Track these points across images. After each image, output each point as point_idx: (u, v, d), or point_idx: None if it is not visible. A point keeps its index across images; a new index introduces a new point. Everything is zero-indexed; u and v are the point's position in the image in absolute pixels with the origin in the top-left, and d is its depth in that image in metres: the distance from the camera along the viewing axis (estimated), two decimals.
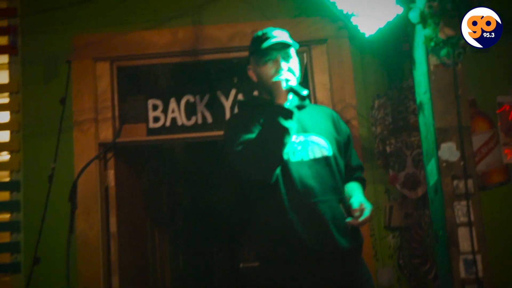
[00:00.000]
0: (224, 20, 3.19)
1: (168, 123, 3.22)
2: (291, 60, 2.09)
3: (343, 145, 2.17)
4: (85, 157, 3.11)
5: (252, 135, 2.00)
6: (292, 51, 2.11)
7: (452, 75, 2.38)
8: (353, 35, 3.01)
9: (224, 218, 5.43)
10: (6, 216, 3.16)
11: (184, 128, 3.22)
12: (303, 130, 2.08)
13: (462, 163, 2.35)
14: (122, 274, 3.20)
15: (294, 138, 2.02)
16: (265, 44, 2.05)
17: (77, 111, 3.18)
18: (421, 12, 2.36)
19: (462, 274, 2.31)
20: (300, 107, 2.11)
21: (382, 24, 2.52)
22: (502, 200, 2.77)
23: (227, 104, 3.21)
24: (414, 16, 2.40)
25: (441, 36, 2.33)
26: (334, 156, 2.07)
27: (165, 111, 3.23)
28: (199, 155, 4.28)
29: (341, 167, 2.12)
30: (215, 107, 3.21)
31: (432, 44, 2.36)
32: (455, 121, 2.35)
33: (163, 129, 3.23)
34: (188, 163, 3.99)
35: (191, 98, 3.23)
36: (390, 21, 2.50)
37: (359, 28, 2.61)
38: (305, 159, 2.02)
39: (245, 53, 3.25)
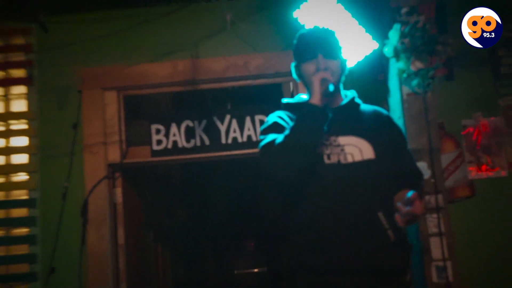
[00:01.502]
0: (218, 54, 3.12)
1: (169, 146, 3.18)
2: (332, 59, 1.78)
3: (392, 149, 1.80)
4: (95, 177, 3.05)
5: (280, 135, 1.72)
6: (334, 50, 1.82)
7: (422, 102, 2.40)
8: None
9: (217, 231, 5.41)
10: (24, 230, 3.11)
11: (184, 150, 3.17)
12: (344, 131, 1.76)
13: (432, 180, 2.38)
14: (129, 282, 3.15)
15: (332, 140, 1.75)
16: (306, 42, 1.82)
17: (88, 135, 3.14)
18: (394, 47, 2.36)
19: (435, 279, 2.33)
20: (347, 107, 1.83)
21: (360, 57, 2.50)
22: (468, 212, 2.71)
23: (223, 128, 3.14)
24: (388, 51, 2.40)
25: (413, 68, 2.34)
26: (378, 160, 1.73)
27: (167, 134, 3.19)
28: (197, 175, 4.28)
29: (387, 172, 1.76)
30: (212, 131, 3.16)
31: (405, 75, 2.37)
32: (426, 143, 2.37)
33: (165, 151, 3.18)
34: (187, 181, 3.96)
35: (190, 123, 3.19)
36: (367, 55, 2.51)
37: None
38: (342, 162, 1.71)
39: (238, 82, 3.23)
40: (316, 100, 1.67)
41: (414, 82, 2.36)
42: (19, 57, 3.24)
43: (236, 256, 5.68)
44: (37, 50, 3.24)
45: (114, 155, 3.16)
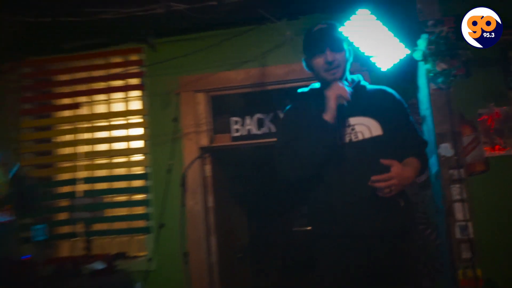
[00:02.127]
0: (281, 62, 3.11)
1: (245, 133, 3.21)
2: (339, 52, 1.62)
3: (397, 123, 1.64)
4: (191, 157, 3.11)
5: (293, 141, 1.60)
6: (341, 43, 1.64)
7: (446, 96, 2.30)
8: (370, 69, 2.91)
9: (281, 196, 5.39)
10: (141, 196, 3.23)
11: (256, 136, 3.19)
12: (354, 113, 1.61)
13: (455, 157, 2.27)
14: (217, 234, 3.20)
15: (346, 122, 1.60)
16: (313, 37, 1.65)
17: (185, 126, 3.20)
18: (423, 52, 2.29)
19: (458, 235, 2.24)
20: (354, 90, 1.64)
21: (396, 61, 2.45)
22: (484, 183, 2.65)
23: None
24: (418, 55, 2.33)
25: (438, 68, 2.26)
26: (385, 135, 1.58)
27: (243, 124, 3.22)
28: (265, 155, 4.26)
29: (395, 144, 1.60)
30: (276, 121, 3.17)
31: (431, 74, 2.29)
32: (449, 128, 2.28)
33: (241, 137, 3.21)
34: (257, 159, 3.96)
35: (260, 115, 3.21)
36: (401, 58, 2.43)
37: (376, 64, 2.54)
38: (353, 140, 1.58)
39: (296, 84, 3.26)
40: (330, 117, 1.55)
41: (439, 80, 2.28)
42: (135, 69, 3.32)
43: (293, 217, 5.69)
44: (147, 64, 3.29)
45: (204, 140, 3.20)
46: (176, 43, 3.25)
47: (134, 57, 3.36)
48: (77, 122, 3.35)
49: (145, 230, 3.17)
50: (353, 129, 1.60)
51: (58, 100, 3.47)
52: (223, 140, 3.23)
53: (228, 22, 3.15)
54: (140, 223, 3.18)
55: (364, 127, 1.59)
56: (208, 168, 3.24)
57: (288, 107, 1.77)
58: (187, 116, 3.21)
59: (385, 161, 1.47)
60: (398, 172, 1.45)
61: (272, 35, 3.14)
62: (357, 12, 2.24)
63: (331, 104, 1.55)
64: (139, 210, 3.20)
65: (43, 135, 3.42)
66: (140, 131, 3.29)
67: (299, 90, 1.80)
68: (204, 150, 3.20)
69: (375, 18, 2.30)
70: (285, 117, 1.78)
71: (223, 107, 3.30)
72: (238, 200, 3.74)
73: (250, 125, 3.21)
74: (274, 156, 1.65)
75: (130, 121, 3.34)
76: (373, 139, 1.58)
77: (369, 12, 2.27)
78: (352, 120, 1.61)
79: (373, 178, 1.46)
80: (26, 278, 2.12)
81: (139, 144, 3.28)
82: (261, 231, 4.78)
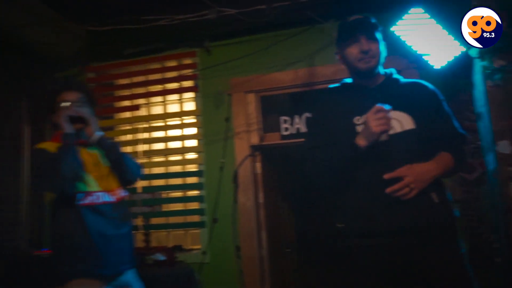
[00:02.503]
0: (328, 62, 3.07)
1: (294, 131, 3.21)
2: (374, 42, 1.53)
3: (432, 116, 1.52)
4: (242, 155, 3.18)
5: (321, 139, 1.52)
6: (376, 33, 1.55)
7: (503, 92, 2.21)
8: (420, 66, 2.83)
9: (323, 193, 5.35)
10: (195, 192, 3.33)
11: (304, 135, 3.18)
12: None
13: None
14: (267, 229, 3.24)
15: None
16: (348, 26, 1.58)
17: (236, 126, 3.26)
18: (479, 50, 2.21)
19: None
20: (386, 84, 1.57)
21: (450, 58, 2.38)
22: None
23: None
24: (473, 52, 2.26)
25: (495, 65, 2.18)
26: (418, 129, 1.48)
27: (292, 123, 3.22)
28: None
29: (428, 138, 1.49)
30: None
31: (488, 71, 2.21)
32: (507, 125, 2.19)
33: (290, 135, 3.21)
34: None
35: (308, 114, 3.18)
36: (456, 56, 2.36)
37: (429, 62, 2.48)
38: (392, 133, 1.47)
39: None
40: (362, 143, 1.44)
41: (497, 76, 2.22)
42: (188, 72, 3.42)
43: (338, 214, 5.59)
44: (200, 67, 3.39)
45: (255, 139, 3.25)
46: (227, 46, 3.33)
47: (188, 61, 3.46)
48: (136, 123, 3.50)
49: (199, 225, 3.27)
50: None
51: (119, 102, 3.63)
52: (273, 139, 3.26)
53: (277, 25, 3.18)
54: (195, 218, 3.29)
55: (396, 122, 1.48)
56: (258, 166, 3.29)
57: (317, 105, 1.71)
58: (238, 116, 3.28)
59: (387, 176, 1.41)
60: (406, 172, 1.38)
61: (320, 36, 3.13)
62: (410, 11, 2.19)
63: (370, 135, 1.43)
64: (194, 205, 3.31)
65: (106, 135, 3.58)
66: (193, 130, 3.40)
67: (331, 86, 1.73)
68: (254, 148, 3.25)
69: (429, 16, 2.24)
70: (313, 116, 1.72)
71: (273, 107, 3.33)
72: (286, 197, 3.75)
73: (299, 123, 3.21)
74: (302, 160, 1.60)
75: (184, 121, 3.46)
76: (405, 133, 1.47)
77: (423, 10, 2.21)
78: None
79: (386, 176, 1.40)
80: None
81: (193, 143, 3.39)
82: (307, 227, 4.80)
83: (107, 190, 1.87)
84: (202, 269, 3.11)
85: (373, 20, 1.56)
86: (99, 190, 1.85)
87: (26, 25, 2.96)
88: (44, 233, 3.42)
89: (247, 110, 3.27)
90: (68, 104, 1.86)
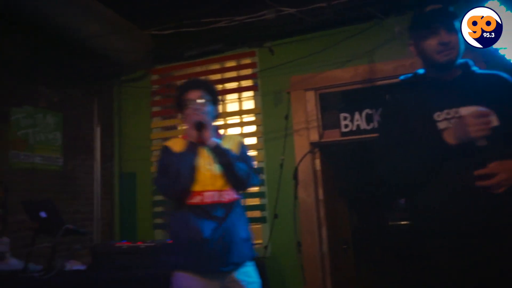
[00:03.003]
0: (389, 58, 3.07)
1: (354, 128, 3.21)
2: (454, 33, 1.41)
3: None
4: (301, 152, 3.24)
5: (398, 136, 1.41)
6: (455, 24, 1.42)
7: None
8: (494, 61, 2.64)
9: (378, 190, 5.29)
10: (256, 189, 3.37)
11: (365, 131, 3.17)
12: (464, 102, 1.40)
13: None
14: (327, 226, 3.26)
15: (454, 112, 1.39)
16: (425, 17, 1.46)
17: (295, 123, 3.31)
18: None
19: None
20: (464, 77, 1.47)
21: None
22: None
23: None
24: None
25: None
26: (502, 126, 1.35)
27: (352, 120, 3.22)
28: (371, 150, 4.21)
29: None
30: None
31: None
32: None
33: (350, 132, 3.21)
34: (362, 154, 3.95)
35: (369, 110, 3.19)
36: None
37: (506, 56, 2.37)
38: None
39: None
40: (452, 142, 1.33)
41: None
42: (247, 72, 3.51)
43: (390, 211, 5.56)
44: (260, 66, 3.47)
45: (314, 136, 3.28)
46: (287, 45, 3.39)
47: (247, 61, 3.57)
48: None
49: (260, 220, 3.33)
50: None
51: None
52: (332, 136, 3.27)
53: (336, 22, 3.20)
54: (256, 213, 3.36)
55: None
56: (318, 163, 3.31)
57: (388, 99, 1.62)
58: (297, 113, 3.32)
59: (478, 172, 1.32)
60: (498, 168, 1.29)
61: (380, 32, 3.12)
62: (486, 5, 2.13)
63: (463, 136, 1.31)
64: (255, 201, 3.37)
65: (170, 134, 3.77)
66: (253, 128, 3.50)
67: (402, 77, 1.59)
68: (314, 145, 3.28)
69: (505, 9, 2.17)
70: (385, 111, 1.61)
71: (332, 104, 3.34)
72: (343, 193, 3.76)
73: (359, 120, 3.21)
74: (375, 159, 1.49)
75: (244, 120, 3.55)
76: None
77: (498, 3, 2.15)
78: (464, 111, 1.37)
79: (476, 173, 1.31)
80: None
81: (253, 140, 3.48)
82: (362, 224, 4.77)
83: (218, 190, 1.91)
84: (263, 264, 3.18)
85: (452, 10, 1.45)
86: (209, 190, 1.90)
87: (98, 32, 3.19)
88: (116, 226, 3.65)
89: (306, 108, 3.31)
90: (199, 101, 1.93)
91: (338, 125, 3.26)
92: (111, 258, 2.26)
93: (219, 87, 3.68)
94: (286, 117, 3.31)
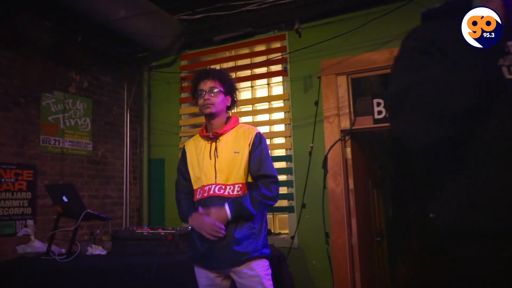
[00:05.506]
0: None
1: (388, 115, 3.04)
2: None
3: None
4: (332, 139, 3.11)
5: (421, 76, 0.94)
6: None
7: None
8: None
9: (416, 181, 5.03)
10: (284, 177, 3.30)
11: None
12: None
13: None
14: (357, 217, 3.11)
15: (501, 47, 0.98)
16: None
17: (326, 109, 3.17)
18: None
19: None
20: None
21: None
22: None
23: None
24: None
25: None
26: None
27: (386, 106, 3.04)
28: None
29: None
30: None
31: None
32: None
33: (385, 119, 2.99)
34: (397, 142, 3.74)
35: None
36: None
37: None
38: None
39: None
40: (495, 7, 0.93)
41: None
42: (277, 56, 3.40)
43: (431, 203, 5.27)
44: (289, 50, 3.34)
45: (345, 123, 3.13)
46: (318, 27, 3.28)
47: (277, 44, 3.48)
48: None
49: (288, 209, 3.25)
50: None
51: None
52: (365, 123, 3.11)
53: (370, 2, 3.02)
54: (284, 203, 3.28)
55: None
56: (348, 151, 3.17)
57: (412, 31, 1.13)
58: (328, 99, 3.19)
59: None
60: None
61: (416, 11, 2.85)
62: None
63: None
64: (283, 190, 3.27)
65: (198, 120, 3.72)
66: (282, 115, 3.40)
67: (425, 12, 1.17)
68: (345, 132, 3.14)
69: None
70: (408, 44, 1.09)
71: (364, 89, 3.17)
72: (376, 184, 3.58)
73: None
74: (389, 109, 1.07)
75: (273, 106, 3.43)
76: None
77: None
78: None
79: None
80: None
81: (281, 127, 3.39)
82: (397, 216, 4.54)
83: (221, 184, 1.87)
84: (290, 254, 3.09)
85: None
86: (211, 183, 1.87)
87: (127, 17, 3.16)
88: (144, 212, 3.67)
89: (337, 93, 3.17)
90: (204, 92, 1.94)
91: (371, 112, 3.09)
92: (131, 243, 2.25)
93: (248, 72, 3.58)
94: (316, 103, 3.20)
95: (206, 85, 1.93)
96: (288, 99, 3.33)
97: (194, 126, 3.76)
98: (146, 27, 3.37)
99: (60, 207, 2.24)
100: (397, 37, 2.98)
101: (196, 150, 1.98)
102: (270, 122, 3.43)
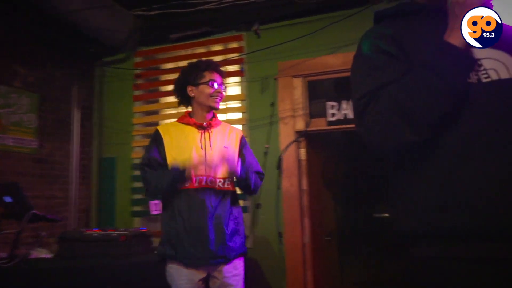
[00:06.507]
0: None
1: (341, 117, 3.10)
2: None
3: None
4: (287, 140, 3.16)
5: (385, 76, 0.98)
6: None
7: None
8: None
9: (364, 182, 5.25)
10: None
11: (352, 121, 3.05)
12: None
13: None
14: (310, 217, 3.17)
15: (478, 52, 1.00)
16: None
17: (282, 111, 3.21)
18: None
19: None
20: None
21: None
22: None
23: None
24: None
25: None
26: None
27: (339, 109, 3.11)
28: (357, 140, 4.13)
29: None
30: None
31: None
32: None
33: (337, 121, 3.11)
34: (349, 145, 3.86)
35: None
36: None
37: None
38: (484, 80, 0.97)
39: None
40: (458, 41, 0.94)
41: None
42: (234, 56, 3.38)
43: (376, 204, 5.55)
44: (247, 51, 3.36)
45: (300, 125, 3.20)
46: (275, 29, 3.30)
47: (234, 45, 3.46)
48: (181, 107, 3.49)
49: (243, 210, 3.20)
50: (480, 66, 0.99)
51: (165, 86, 3.65)
52: (319, 124, 3.19)
53: (328, 6, 3.10)
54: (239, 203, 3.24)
55: (499, 64, 0.99)
56: (303, 152, 3.22)
57: (372, 30, 1.16)
58: (284, 100, 3.23)
59: None
60: None
61: (371, 17, 2.98)
62: None
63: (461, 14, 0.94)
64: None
65: (152, 119, 3.63)
66: (238, 115, 3.40)
67: (378, 12, 1.20)
68: (299, 134, 3.19)
69: None
70: (371, 42, 1.10)
71: (319, 92, 3.24)
72: (328, 184, 3.68)
73: (347, 109, 3.11)
74: (356, 113, 1.02)
75: (229, 106, 3.44)
76: (508, 84, 0.96)
77: None
78: (479, 53, 1.00)
79: None
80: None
81: (238, 127, 3.33)
82: (346, 216, 4.72)
83: (212, 177, 1.87)
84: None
85: None
86: (201, 175, 1.85)
87: (80, 9, 3.02)
88: (93, 212, 3.52)
89: (293, 95, 3.21)
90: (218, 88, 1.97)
91: (325, 114, 3.16)
92: (80, 246, 2.14)
93: None
94: (272, 105, 3.23)
95: (219, 78, 2.00)
96: (244, 100, 3.34)
97: (148, 124, 3.67)
98: (100, 20, 3.25)
99: (2, 208, 2.10)
100: (353, 42, 3.07)
101: (178, 136, 1.91)
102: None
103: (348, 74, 2.91)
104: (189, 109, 2.12)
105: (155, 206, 2.70)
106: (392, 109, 0.93)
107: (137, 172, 3.54)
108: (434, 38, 0.99)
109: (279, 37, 3.22)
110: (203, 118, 1.99)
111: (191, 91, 2.03)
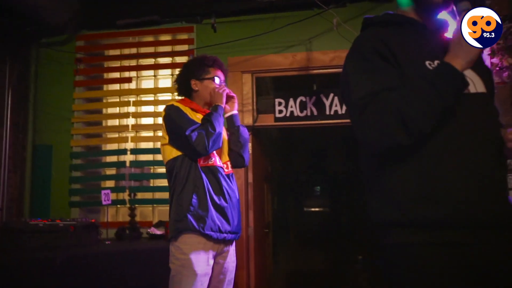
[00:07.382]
0: (327, 48, 3.13)
1: (288, 114, 3.26)
2: None
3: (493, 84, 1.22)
4: None
5: (385, 80, 1.07)
6: None
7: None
8: None
9: (296, 179, 5.52)
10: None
11: (298, 118, 3.24)
12: None
13: None
14: (254, 210, 3.28)
15: None
16: None
17: None
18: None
19: None
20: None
21: None
22: None
23: (327, 102, 3.22)
24: None
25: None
26: (489, 95, 1.15)
27: (286, 106, 3.26)
28: (305, 136, 4.30)
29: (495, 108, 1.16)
30: (319, 104, 3.21)
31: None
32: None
33: (284, 118, 3.26)
34: (296, 140, 4.02)
35: (303, 98, 3.25)
36: None
37: None
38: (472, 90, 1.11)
39: (340, 70, 3.31)
40: (459, 65, 1.03)
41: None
42: (183, 48, 3.35)
43: (306, 198, 5.93)
44: (197, 43, 3.35)
45: (248, 119, 3.28)
46: (227, 24, 3.31)
47: (183, 36, 3.46)
48: (125, 96, 3.41)
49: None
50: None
51: (109, 74, 3.53)
52: (266, 120, 3.30)
53: (280, 6, 3.19)
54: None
55: (469, 81, 1.10)
56: (250, 146, 3.28)
57: (363, 34, 1.22)
58: None
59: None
60: None
61: (320, 21, 3.16)
62: None
63: (468, 50, 1.04)
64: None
65: (93, 106, 3.49)
66: None
67: (368, 16, 1.28)
68: (247, 129, 3.24)
69: None
70: (367, 45, 1.14)
71: (268, 89, 3.35)
72: (269, 179, 3.83)
73: (293, 107, 3.26)
74: (355, 111, 1.09)
75: (176, 97, 3.37)
76: (480, 96, 1.11)
77: None
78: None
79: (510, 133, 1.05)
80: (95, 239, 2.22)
81: None
82: (282, 206, 4.96)
83: (220, 159, 2.00)
84: None
85: None
86: (213, 155, 1.96)
87: None
88: (25, 202, 3.31)
89: (242, 90, 3.28)
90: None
91: (272, 110, 3.28)
92: (24, 237, 2.03)
93: (152, 61, 3.49)
94: None
95: (222, 76, 2.12)
96: None
97: (89, 112, 3.52)
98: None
99: None
100: (300, 42, 3.23)
101: (193, 117, 1.95)
102: (156, 114, 3.39)
103: (296, 73, 3.10)
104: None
105: (106, 196, 2.63)
106: (390, 112, 1.01)
107: (76, 161, 3.41)
108: (422, 51, 1.11)
109: (230, 32, 3.24)
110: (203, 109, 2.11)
111: (195, 84, 2.09)
